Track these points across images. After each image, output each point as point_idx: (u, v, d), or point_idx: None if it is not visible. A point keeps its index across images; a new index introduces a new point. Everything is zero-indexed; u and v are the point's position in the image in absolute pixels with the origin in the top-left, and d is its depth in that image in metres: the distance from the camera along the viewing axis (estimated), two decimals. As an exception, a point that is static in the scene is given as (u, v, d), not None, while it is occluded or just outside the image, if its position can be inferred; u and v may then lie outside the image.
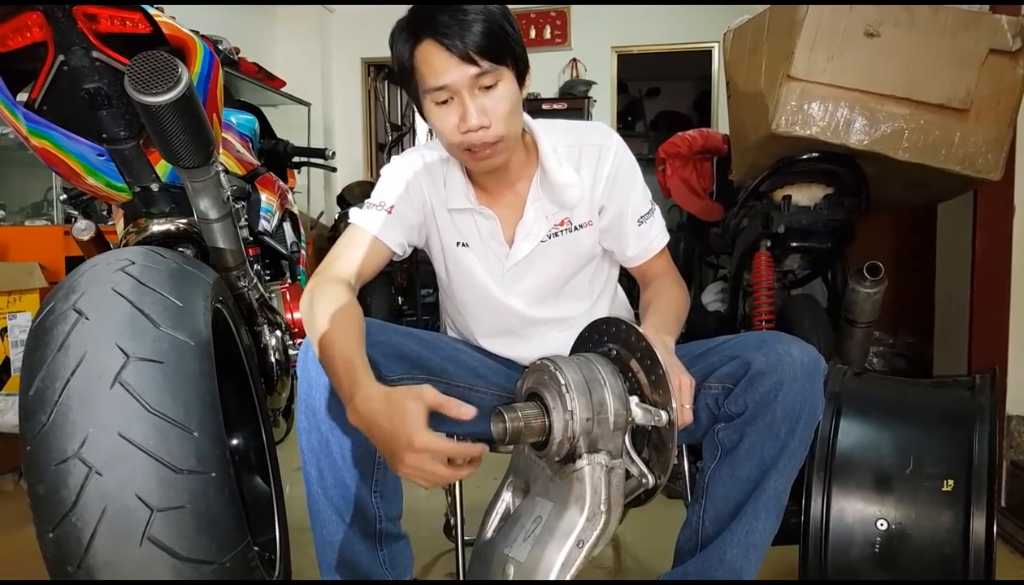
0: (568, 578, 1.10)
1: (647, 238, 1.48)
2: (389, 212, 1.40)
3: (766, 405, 1.22)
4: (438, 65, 1.22)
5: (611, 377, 1.13)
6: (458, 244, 1.46)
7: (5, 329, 2.62)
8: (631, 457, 1.13)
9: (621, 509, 1.13)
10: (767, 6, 2.30)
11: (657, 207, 1.51)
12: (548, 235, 1.43)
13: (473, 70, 1.22)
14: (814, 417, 1.24)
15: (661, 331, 1.29)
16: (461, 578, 1.49)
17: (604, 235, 1.48)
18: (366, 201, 1.44)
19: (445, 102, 1.26)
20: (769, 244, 2.38)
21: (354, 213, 1.42)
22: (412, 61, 1.25)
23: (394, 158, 1.48)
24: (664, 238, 1.51)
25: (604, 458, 1.10)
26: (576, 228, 1.44)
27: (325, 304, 1.23)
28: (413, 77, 1.27)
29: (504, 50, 1.25)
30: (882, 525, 1.38)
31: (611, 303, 1.57)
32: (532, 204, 1.42)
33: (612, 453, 1.11)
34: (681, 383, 1.17)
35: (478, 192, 1.43)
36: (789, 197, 2.31)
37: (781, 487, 1.26)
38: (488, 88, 1.25)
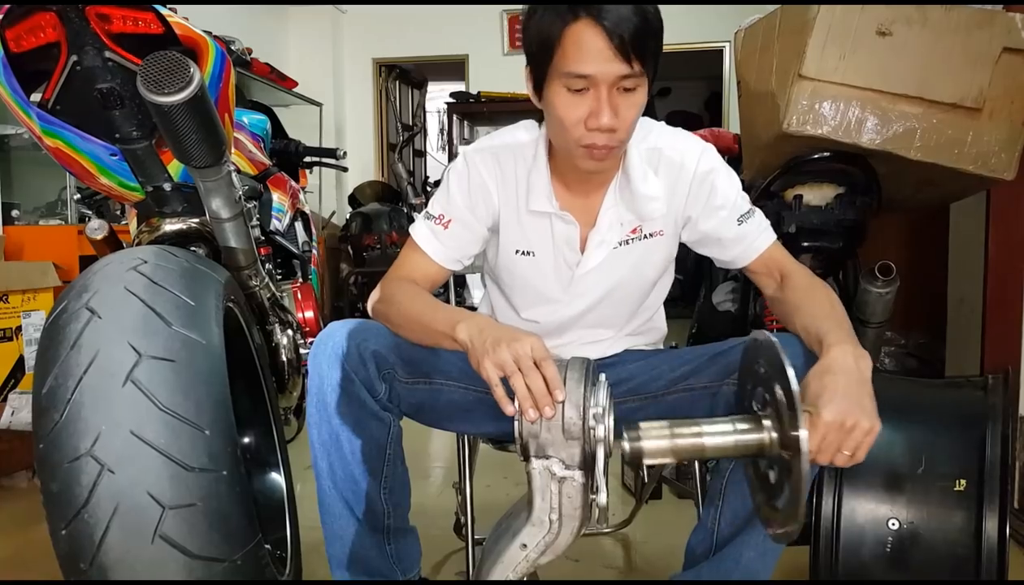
0: (512, 578, 1.10)
1: (750, 236, 1.37)
2: (446, 227, 1.36)
3: None
4: (592, 51, 1.14)
5: (574, 384, 1.05)
6: (518, 252, 1.40)
7: (20, 328, 2.64)
8: (594, 475, 1.04)
9: (577, 523, 1.07)
10: (778, 5, 2.29)
11: (759, 210, 1.40)
12: (620, 242, 1.37)
13: (624, 69, 1.15)
14: None
15: (850, 346, 1.10)
16: (470, 577, 1.49)
17: (699, 245, 1.42)
18: (427, 209, 1.39)
19: (579, 91, 1.17)
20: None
21: (415, 225, 1.39)
22: (560, 36, 1.15)
23: (464, 153, 1.39)
24: (770, 236, 1.38)
25: (557, 466, 1.05)
26: (646, 236, 1.38)
27: (399, 290, 1.31)
28: (551, 53, 1.17)
29: (655, 56, 1.18)
30: (894, 525, 1.38)
31: (654, 315, 1.53)
32: (608, 210, 1.35)
33: (567, 462, 1.05)
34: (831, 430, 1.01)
35: (558, 193, 1.36)
36: (800, 197, 2.30)
37: None
38: (628, 90, 1.18)
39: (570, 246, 1.38)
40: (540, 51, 1.19)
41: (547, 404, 1.02)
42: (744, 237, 1.37)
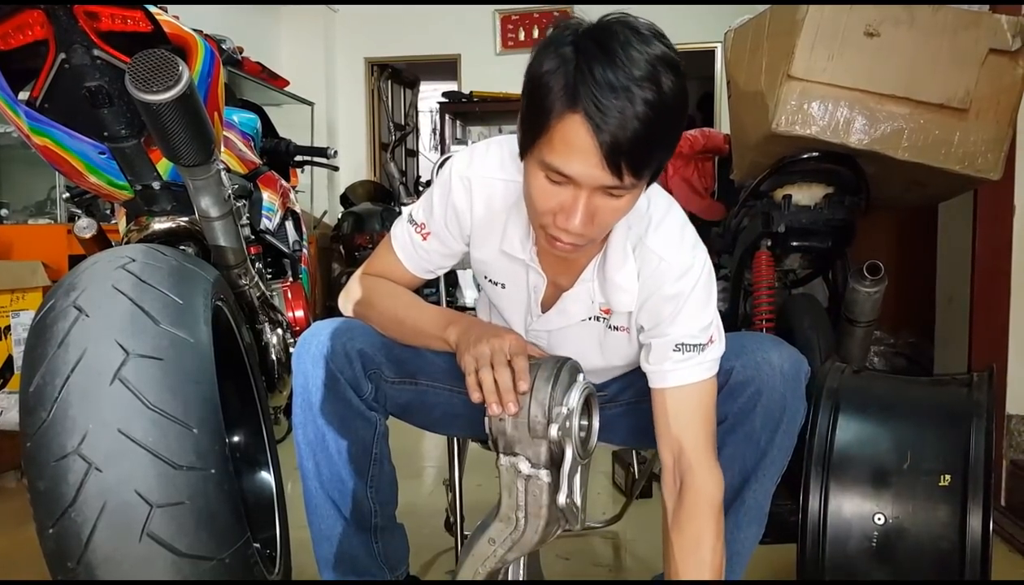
0: (480, 572, 1.11)
1: (676, 362, 1.17)
2: (425, 238, 1.29)
3: (745, 414, 1.22)
4: (579, 153, 0.97)
5: (542, 382, 1.03)
6: (488, 279, 1.34)
7: (8, 328, 2.63)
8: (557, 477, 1.03)
9: (542, 522, 1.05)
10: (768, 6, 2.30)
11: (720, 345, 1.20)
12: (587, 318, 1.26)
13: (611, 181, 0.99)
14: (794, 424, 1.24)
15: None
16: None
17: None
18: (411, 209, 1.33)
19: (557, 182, 1.02)
20: (770, 243, 2.38)
21: (397, 225, 1.34)
22: (550, 123, 0.98)
23: (450, 169, 1.26)
24: (703, 372, 1.18)
25: (523, 464, 1.03)
26: (612, 327, 1.26)
27: (377, 290, 1.32)
28: (538, 133, 1.00)
29: (657, 164, 1.03)
30: (879, 520, 1.39)
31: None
32: (582, 282, 1.23)
33: (533, 461, 1.03)
34: None
35: (536, 241, 1.22)
36: (789, 196, 2.31)
37: (762, 495, 1.27)
38: (613, 196, 1.02)
39: (535, 297, 1.28)
40: (530, 117, 1.01)
41: (510, 400, 1.02)
42: (663, 360, 1.18)
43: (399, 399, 1.31)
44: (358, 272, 1.39)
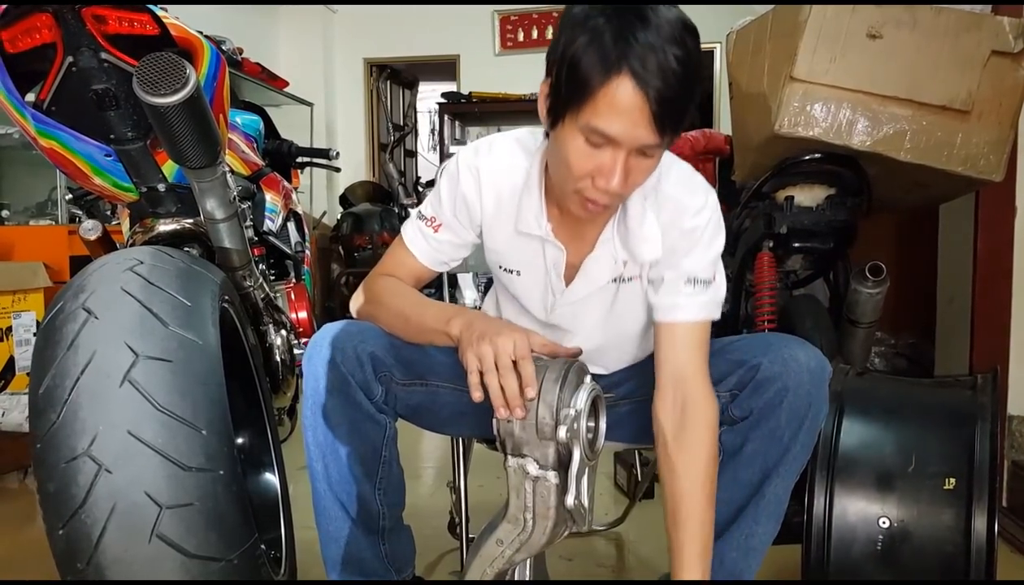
0: (488, 573, 1.11)
1: (687, 296, 1.24)
2: (436, 231, 1.33)
3: (771, 410, 1.22)
4: (625, 114, 1.03)
5: (550, 384, 1.04)
6: (501, 268, 1.37)
7: (10, 328, 2.63)
8: (565, 478, 1.03)
9: (550, 524, 1.06)
10: (770, 7, 2.31)
11: (722, 287, 1.28)
12: (611, 279, 1.30)
13: (652, 139, 1.05)
14: (817, 422, 1.24)
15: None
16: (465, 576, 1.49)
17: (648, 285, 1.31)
18: (419, 208, 1.36)
19: (596, 145, 1.08)
20: (771, 244, 2.38)
21: (407, 224, 1.38)
22: (597, 87, 1.03)
23: (457, 161, 1.32)
24: (708, 312, 1.26)
25: (531, 466, 1.04)
26: (626, 280, 1.30)
27: (385, 288, 1.31)
28: (581, 99, 1.05)
29: (688, 121, 1.10)
30: (884, 523, 1.39)
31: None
32: (602, 244, 1.27)
33: (541, 462, 1.04)
34: None
35: (550, 213, 1.27)
36: (791, 198, 2.32)
37: (782, 492, 1.27)
38: (645, 156, 1.09)
39: (556, 272, 1.31)
40: (569, 88, 1.06)
41: (517, 405, 1.02)
42: (675, 293, 1.25)
43: (409, 401, 1.32)
44: (369, 276, 1.39)
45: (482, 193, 1.29)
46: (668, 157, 1.25)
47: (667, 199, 1.24)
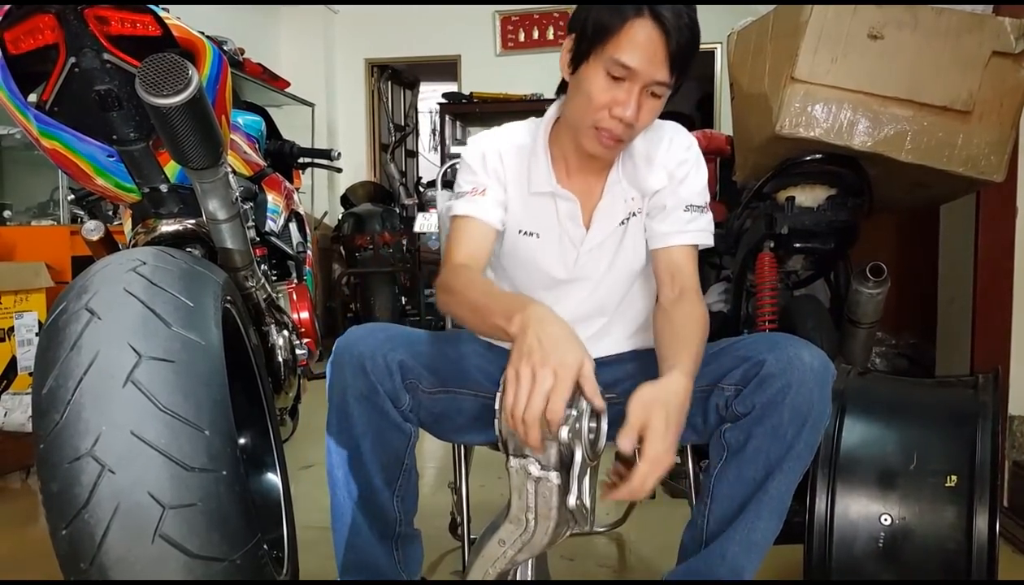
0: (491, 573, 1.11)
1: (685, 223, 1.41)
2: (483, 194, 1.40)
3: (774, 407, 1.22)
4: (644, 48, 1.21)
5: None
6: (520, 232, 1.44)
7: (12, 329, 2.63)
8: (566, 479, 1.04)
9: (552, 524, 1.06)
10: (771, 8, 2.31)
11: (711, 216, 1.46)
12: (624, 219, 1.43)
13: (664, 76, 1.24)
14: (821, 421, 1.24)
15: (683, 376, 1.18)
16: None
17: (647, 217, 1.44)
18: (456, 191, 1.44)
19: (616, 79, 1.24)
20: (772, 245, 2.38)
21: (453, 207, 1.43)
22: (620, 25, 1.22)
23: (472, 142, 1.47)
24: (704, 238, 1.43)
25: (533, 466, 1.04)
26: (634, 215, 1.43)
27: (457, 279, 1.30)
28: (605, 37, 1.23)
29: (687, 75, 1.27)
30: (886, 520, 1.39)
31: (647, 311, 1.51)
32: (611, 187, 1.42)
33: (543, 463, 1.04)
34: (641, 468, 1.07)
35: (558, 175, 1.42)
36: (792, 198, 2.32)
37: (784, 488, 1.27)
38: (654, 96, 1.27)
39: (574, 222, 1.42)
40: (594, 32, 1.24)
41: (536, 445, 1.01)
42: (676, 221, 1.41)
43: (433, 409, 1.32)
44: (442, 268, 1.39)
45: (501, 153, 1.42)
46: None
47: (658, 137, 1.42)
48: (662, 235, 1.42)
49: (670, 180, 1.41)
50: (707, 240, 1.44)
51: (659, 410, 1.08)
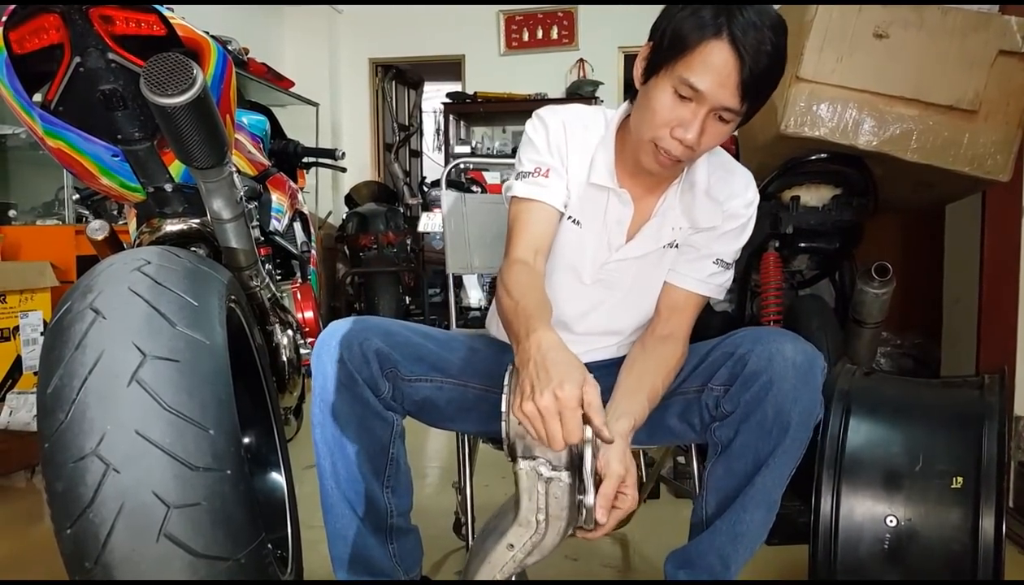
0: (499, 578, 1.11)
1: (708, 274, 1.41)
2: (547, 175, 1.37)
3: (757, 403, 1.23)
4: (716, 72, 1.16)
5: None
6: (568, 217, 1.40)
7: (17, 328, 2.64)
8: (580, 479, 1.04)
9: (564, 524, 1.07)
10: (776, 7, 2.30)
11: (731, 275, 1.46)
12: (669, 243, 1.41)
13: (734, 103, 1.18)
14: (809, 416, 1.24)
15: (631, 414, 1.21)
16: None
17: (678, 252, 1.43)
18: (517, 169, 1.40)
19: (684, 98, 1.19)
20: (777, 244, 2.38)
21: (516, 188, 1.38)
22: (695, 44, 1.16)
23: (537, 116, 1.41)
24: (718, 293, 1.44)
25: (544, 467, 1.04)
26: (668, 246, 1.41)
27: (512, 279, 1.28)
28: (679, 53, 1.18)
29: (762, 103, 1.23)
30: (891, 522, 1.39)
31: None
32: (666, 209, 1.39)
33: (554, 464, 1.05)
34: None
35: (619, 175, 1.38)
36: (797, 198, 2.32)
37: (771, 482, 1.27)
38: (723, 120, 1.21)
39: (620, 227, 1.39)
40: (670, 45, 1.19)
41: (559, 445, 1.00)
42: (701, 269, 1.41)
43: (415, 397, 1.32)
44: (504, 261, 1.36)
45: (567, 138, 1.38)
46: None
47: (728, 180, 1.38)
48: (682, 275, 1.42)
49: (717, 228, 1.39)
50: (719, 296, 1.45)
51: (629, 476, 1.11)
